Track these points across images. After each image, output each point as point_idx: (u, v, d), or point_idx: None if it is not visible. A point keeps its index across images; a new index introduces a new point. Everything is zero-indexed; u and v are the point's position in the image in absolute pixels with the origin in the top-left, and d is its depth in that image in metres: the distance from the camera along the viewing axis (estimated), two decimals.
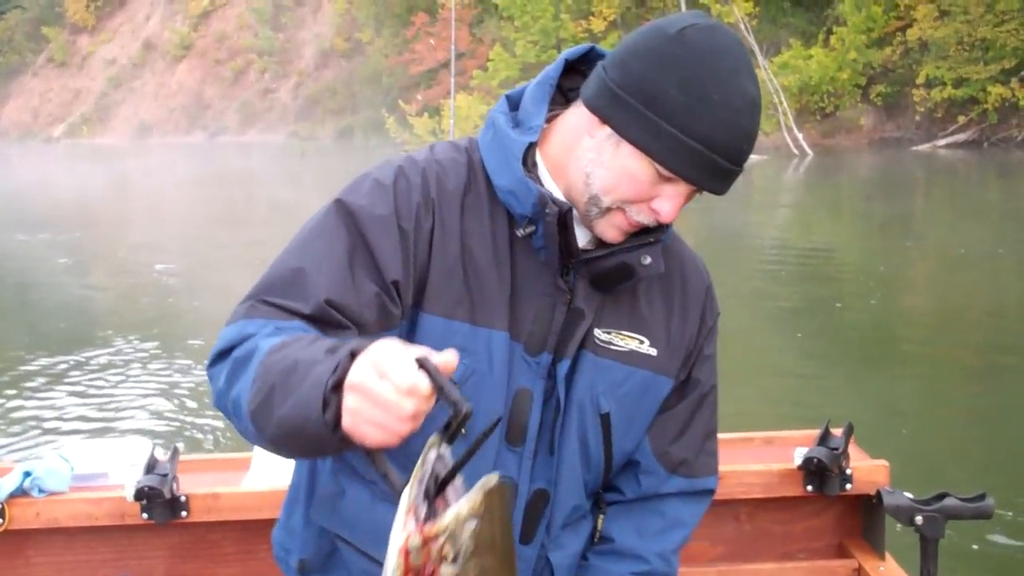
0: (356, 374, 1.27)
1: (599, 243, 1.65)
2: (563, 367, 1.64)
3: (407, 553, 1.22)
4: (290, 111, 64.67)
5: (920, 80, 37.42)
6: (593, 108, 1.58)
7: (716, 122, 1.50)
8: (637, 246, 1.63)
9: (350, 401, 1.27)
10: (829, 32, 39.68)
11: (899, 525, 2.34)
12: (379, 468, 1.34)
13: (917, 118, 38.24)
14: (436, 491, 1.24)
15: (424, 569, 1.22)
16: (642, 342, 1.70)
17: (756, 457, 2.50)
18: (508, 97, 1.70)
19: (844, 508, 2.49)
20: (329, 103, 61.44)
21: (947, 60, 36.85)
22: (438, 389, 1.26)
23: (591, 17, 44.73)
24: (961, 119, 37.07)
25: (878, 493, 2.35)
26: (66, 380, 8.44)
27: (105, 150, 60.88)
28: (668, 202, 1.56)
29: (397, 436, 1.26)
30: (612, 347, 1.68)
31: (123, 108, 75.56)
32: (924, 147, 36.89)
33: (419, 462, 1.23)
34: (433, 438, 1.26)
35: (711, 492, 1.85)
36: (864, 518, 2.48)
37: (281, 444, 1.43)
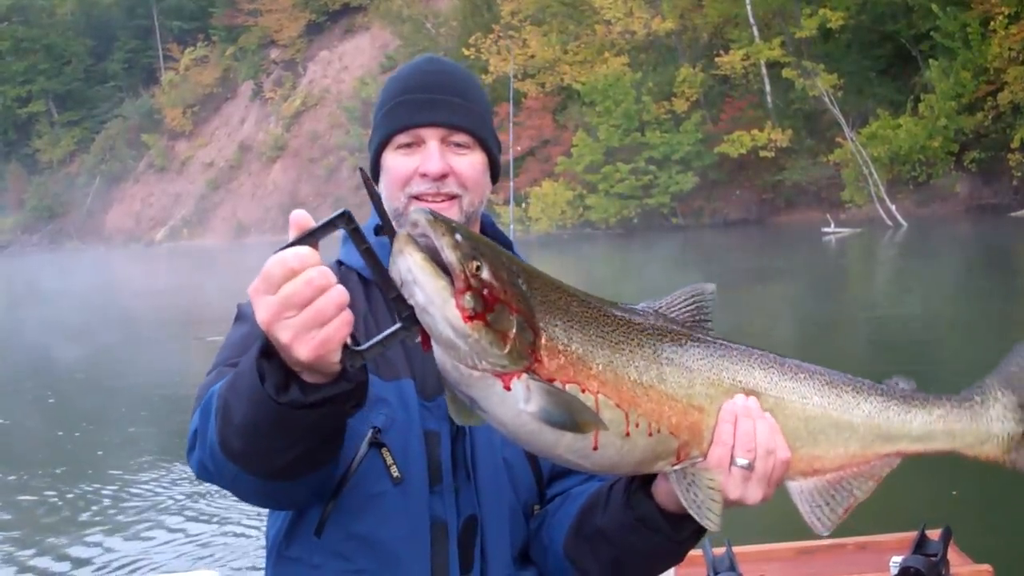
0: (261, 312, 1.29)
1: None
2: None
3: (470, 314, 1.30)
4: None
5: (1015, 144, 36.63)
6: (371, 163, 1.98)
7: (402, 77, 1.95)
8: None
9: (282, 336, 1.29)
10: (917, 100, 39.17)
11: None
12: (369, 354, 1.34)
13: (1014, 183, 37.36)
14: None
15: (489, 299, 1.32)
16: None
17: (849, 566, 2.36)
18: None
19: None
20: None
21: None
22: (312, 233, 1.30)
23: (673, 98, 44.91)
24: None
25: None
26: None
27: (204, 252, 62.57)
28: (426, 160, 1.87)
29: (339, 313, 1.29)
30: None
31: (221, 209, 77.87)
32: (1023, 213, 35.96)
33: (393, 274, 1.31)
34: (366, 245, 1.34)
35: None
36: None
37: (252, 456, 1.46)
